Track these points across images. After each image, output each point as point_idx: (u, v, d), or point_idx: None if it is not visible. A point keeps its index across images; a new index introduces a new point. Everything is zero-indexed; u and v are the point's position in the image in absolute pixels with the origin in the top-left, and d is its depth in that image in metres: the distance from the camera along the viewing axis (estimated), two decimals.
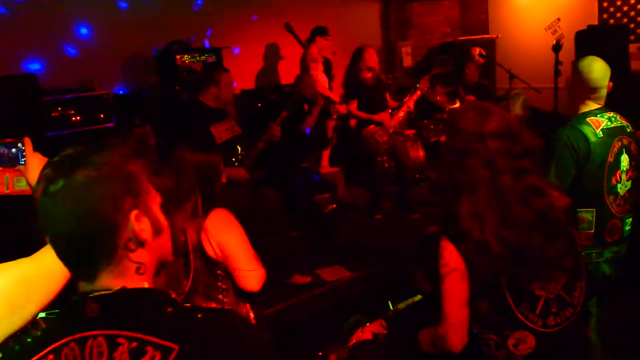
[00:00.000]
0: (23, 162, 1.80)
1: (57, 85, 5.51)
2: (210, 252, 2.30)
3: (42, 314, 1.49)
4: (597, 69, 2.87)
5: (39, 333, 1.20)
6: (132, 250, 1.19)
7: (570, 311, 1.99)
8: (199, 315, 1.16)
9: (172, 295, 1.23)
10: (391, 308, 2.68)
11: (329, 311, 4.22)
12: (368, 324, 2.52)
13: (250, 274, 2.31)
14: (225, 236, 2.32)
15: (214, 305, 2.30)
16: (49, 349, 1.12)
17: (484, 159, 1.94)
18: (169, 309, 1.15)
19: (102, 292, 1.15)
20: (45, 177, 1.17)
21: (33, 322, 1.44)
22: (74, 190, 1.14)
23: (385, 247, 5.23)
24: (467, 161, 1.97)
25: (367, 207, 6.35)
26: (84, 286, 1.18)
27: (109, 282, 1.17)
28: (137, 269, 1.20)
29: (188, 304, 1.24)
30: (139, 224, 1.19)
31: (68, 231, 1.15)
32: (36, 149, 1.83)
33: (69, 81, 5.60)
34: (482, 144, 1.95)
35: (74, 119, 5.37)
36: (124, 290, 1.16)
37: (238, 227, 2.40)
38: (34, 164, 1.77)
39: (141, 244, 1.20)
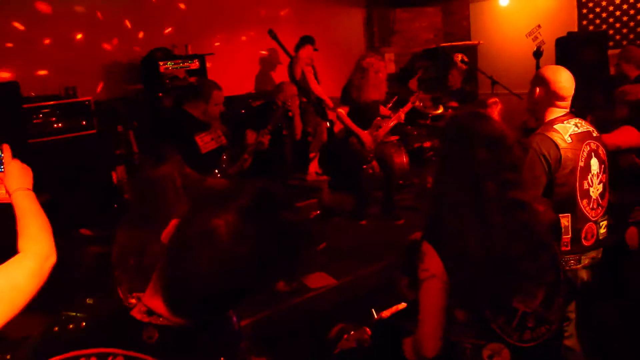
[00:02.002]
0: (1, 170, 1.76)
1: (38, 92, 5.47)
2: None
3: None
4: (566, 78, 2.93)
5: (83, 324, 1.15)
6: None
7: (547, 327, 1.98)
8: None
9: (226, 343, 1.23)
10: (375, 316, 2.67)
11: (313, 318, 4.21)
12: (352, 331, 2.52)
13: None
14: None
15: None
16: (95, 350, 1.07)
17: (471, 164, 1.95)
18: (222, 359, 1.18)
19: (169, 323, 1.12)
20: (234, 207, 1.12)
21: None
22: None
23: (369, 254, 5.22)
24: (454, 165, 1.98)
25: (351, 212, 6.35)
26: (157, 307, 1.13)
27: (186, 321, 1.14)
28: None
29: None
30: None
31: None
32: (18, 156, 1.80)
33: (50, 88, 5.55)
34: (471, 150, 1.95)
35: (55, 125, 5.32)
36: (189, 329, 1.14)
37: None
38: (13, 171, 1.72)
39: None
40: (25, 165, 1.76)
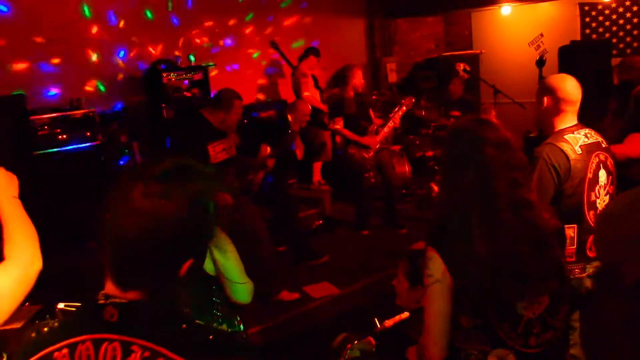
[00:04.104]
0: None
1: (43, 104, 5.50)
2: (207, 269, 2.31)
3: (62, 305, 1.51)
4: (573, 86, 2.93)
5: (56, 324, 1.23)
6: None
7: (552, 333, 1.98)
8: (210, 337, 1.20)
9: (187, 312, 1.26)
10: (378, 325, 2.67)
11: (317, 328, 4.21)
12: (356, 341, 2.52)
13: (244, 286, 2.33)
14: (223, 253, 2.34)
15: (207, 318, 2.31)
16: (65, 342, 1.16)
17: (479, 164, 1.95)
18: (184, 326, 1.20)
19: (125, 300, 1.19)
20: (149, 178, 1.20)
21: (51, 312, 1.44)
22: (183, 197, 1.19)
23: (372, 263, 5.23)
24: (462, 167, 1.99)
25: (353, 222, 6.35)
26: (112, 290, 1.21)
27: (138, 294, 1.20)
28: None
29: (201, 322, 1.27)
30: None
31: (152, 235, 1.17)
32: (24, 167, 1.81)
33: (55, 100, 5.59)
34: (479, 150, 1.96)
35: (61, 137, 5.35)
36: (145, 302, 1.20)
37: (231, 243, 2.42)
38: None
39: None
40: (10, 173, 1.78)
